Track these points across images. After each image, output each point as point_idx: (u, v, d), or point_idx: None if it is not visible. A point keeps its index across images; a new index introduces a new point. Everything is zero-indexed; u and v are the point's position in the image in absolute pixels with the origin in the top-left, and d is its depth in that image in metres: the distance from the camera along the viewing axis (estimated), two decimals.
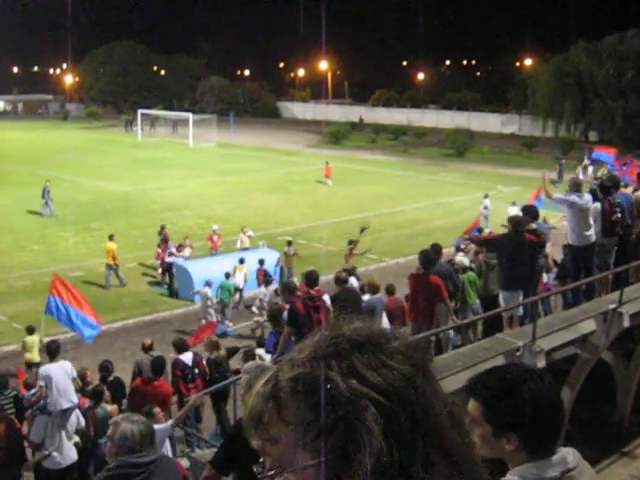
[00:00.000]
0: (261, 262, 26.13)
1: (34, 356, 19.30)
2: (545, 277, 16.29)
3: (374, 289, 14.53)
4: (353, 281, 20.94)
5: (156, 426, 10.20)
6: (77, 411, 12.21)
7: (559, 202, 13.79)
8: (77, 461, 12.04)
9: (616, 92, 70.30)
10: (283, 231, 33.78)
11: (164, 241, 29.11)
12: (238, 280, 25.75)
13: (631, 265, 14.51)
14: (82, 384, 13.59)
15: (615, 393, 15.56)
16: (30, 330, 19.38)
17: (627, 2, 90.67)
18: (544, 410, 2.64)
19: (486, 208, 35.26)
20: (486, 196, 37.20)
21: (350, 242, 25.36)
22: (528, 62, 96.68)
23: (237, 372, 13.28)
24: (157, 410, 10.52)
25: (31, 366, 18.94)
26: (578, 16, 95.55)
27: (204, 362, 14.51)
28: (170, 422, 10.72)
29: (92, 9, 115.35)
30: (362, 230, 25.29)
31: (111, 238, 27.99)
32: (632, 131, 68.05)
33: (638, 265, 15.05)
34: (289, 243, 28.52)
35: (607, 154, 35.37)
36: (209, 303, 23.71)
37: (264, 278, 25.10)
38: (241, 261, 26.32)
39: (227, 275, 25.01)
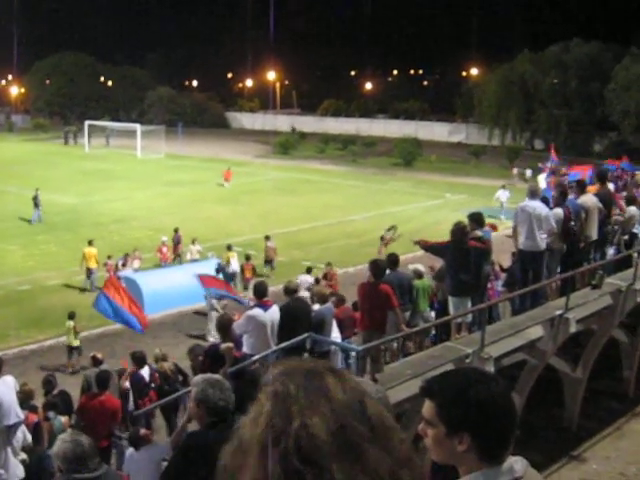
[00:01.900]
0: (247, 258, 27.51)
1: (69, 339, 20.88)
2: (491, 284, 16.41)
3: (323, 299, 14.46)
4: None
5: (147, 447, 10.11)
6: (23, 427, 11.97)
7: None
8: (24, 478, 11.82)
9: (561, 101, 71.45)
10: (233, 242, 33.52)
11: (177, 243, 30.81)
12: (234, 266, 27.05)
13: (577, 271, 14.70)
14: (26, 399, 13.36)
15: (563, 397, 15.74)
16: (70, 316, 20.77)
17: (570, 12, 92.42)
18: (497, 411, 2.65)
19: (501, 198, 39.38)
20: (503, 187, 40.54)
21: (382, 238, 25.78)
22: (474, 71, 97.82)
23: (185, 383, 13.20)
24: (143, 431, 10.41)
25: (71, 350, 20.86)
26: (523, 26, 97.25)
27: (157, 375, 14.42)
28: (165, 444, 10.52)
29: (38, 20, 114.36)
30: (391, 230, 25.85)
31: (90, 243, 28.24)
32: (577, 139, 69.23)
33: (583, 271, 15.27)
34: (267, 237, 29.69)
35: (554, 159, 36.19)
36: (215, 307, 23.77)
37: (254, 273, 26.82)
38: (229, 247, 27.91)
39: (217, 271, 25.40)
